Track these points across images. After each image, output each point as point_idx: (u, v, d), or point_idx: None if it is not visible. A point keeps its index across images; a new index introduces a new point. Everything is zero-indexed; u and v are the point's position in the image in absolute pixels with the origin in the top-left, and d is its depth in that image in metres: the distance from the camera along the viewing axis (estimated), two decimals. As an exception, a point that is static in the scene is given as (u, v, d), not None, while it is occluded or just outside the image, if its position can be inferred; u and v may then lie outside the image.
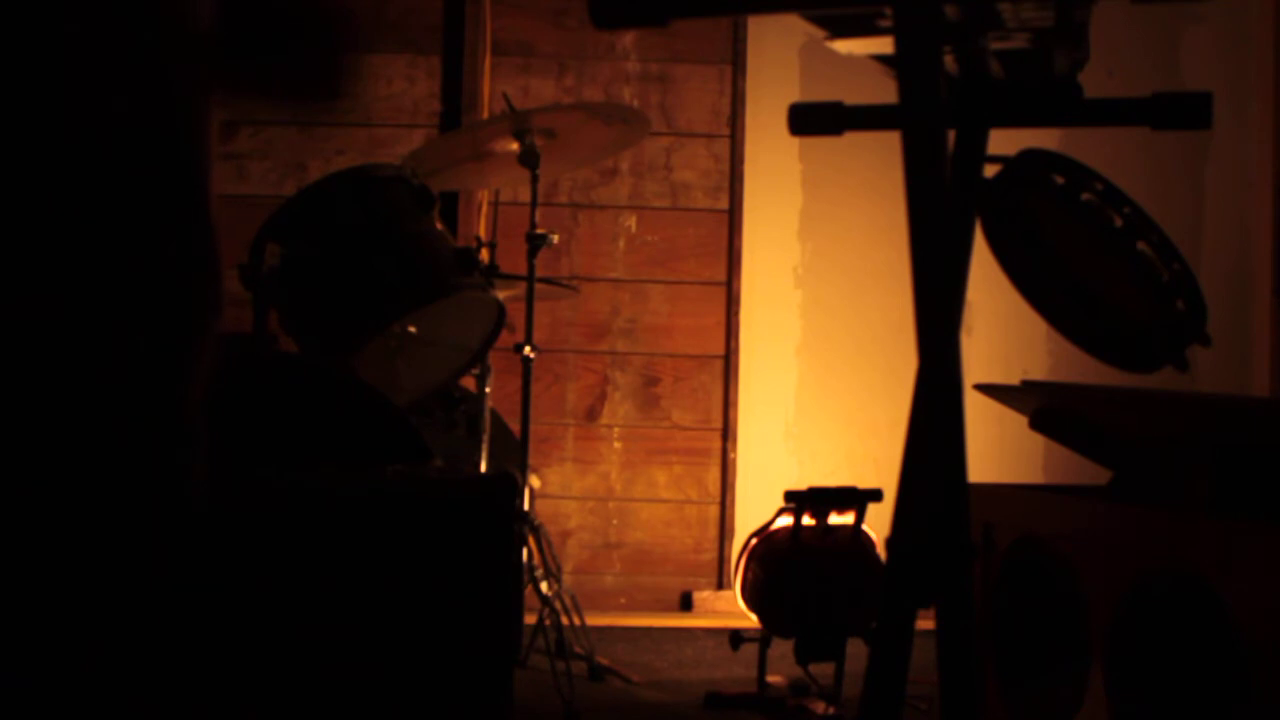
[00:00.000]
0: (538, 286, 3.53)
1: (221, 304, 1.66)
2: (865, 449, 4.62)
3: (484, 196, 4.51)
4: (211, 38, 1.62)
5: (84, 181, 1.51)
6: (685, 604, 4.58)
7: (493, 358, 3.58)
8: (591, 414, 4.61)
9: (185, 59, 1.59)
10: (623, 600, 4.57)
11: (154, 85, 1.54)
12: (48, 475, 1.51)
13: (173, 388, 1.58)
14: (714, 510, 4.61)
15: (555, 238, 3.57)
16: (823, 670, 3.14)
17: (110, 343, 1.53)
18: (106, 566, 1.55)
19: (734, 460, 4.61)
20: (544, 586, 3.53)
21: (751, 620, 3.28)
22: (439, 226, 3.23)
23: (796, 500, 3.17)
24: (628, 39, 4.62)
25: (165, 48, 1.56)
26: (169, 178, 1.57)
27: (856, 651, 2.88)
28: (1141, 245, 2.29)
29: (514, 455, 3.57)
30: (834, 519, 3.20)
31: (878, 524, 2.74)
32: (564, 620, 3.52)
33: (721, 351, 4.63)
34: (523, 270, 3.53)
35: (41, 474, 1.51)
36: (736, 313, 4.63)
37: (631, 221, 4.62)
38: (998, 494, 2.74)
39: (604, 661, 3.58)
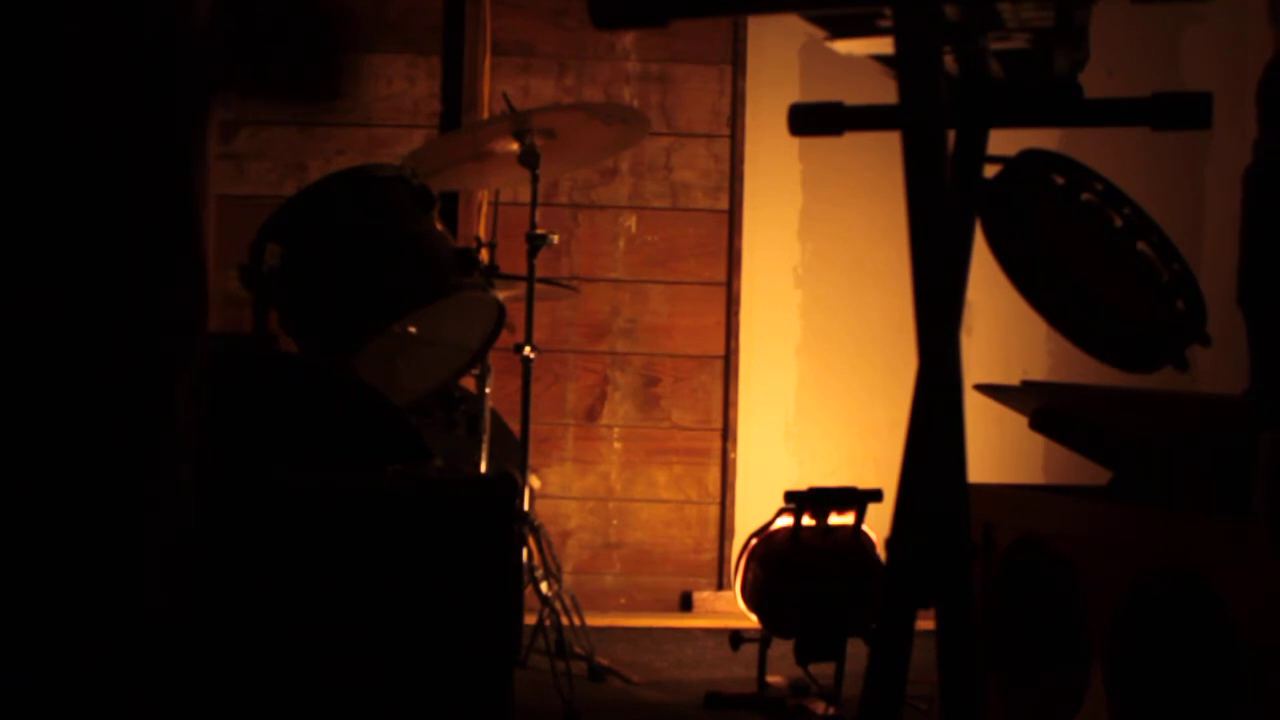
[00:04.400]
0: (538, 286, 3.53)
1: (207, 302, 1.66)
2: (865, 449, 4.62)
3: (484, 196, 4.51)
4: (210, 36, 1.62)
5: (80, 181, 1.51)
6: (685, 604, 4.58)
7: (493, 358, 3.58)
8: (591, 414, 4.61)
9: (184, 58, 1.59)
10: (623, 600, 4.57)
11: (151, 84, 1.54)
12: (37, 475, 1.51)
13: (161, 384, 1.58)
14: (714, 510, 4.61)
15: (555, 238, 3.57)
16: (823, 670, 3.14)
17: (103, 339, 1.53)
18: (100, 569, 1.55)
19: (734, 460, 4.61)
20: (544, 586, 3.53)
21: (751, 620, 3.28)
22: (439, 226, 3.23)
23: (796, 500, 3.17)
24: (628, 39, 4.62)
25: (164, 47, 1.56)
26: (162, 177, 1.57)
27: (856, 651, 2.88)
28: (1141, 245, 2.29)
29: (514, 455, 3.57)
30: (834, 519, 3.20)
31: (878, 524, 2.73)
32: (564, 620, 3.52)
33: (721, 351, 4.63)
34: (523, 270, 3.53)
35: (31, 474, 1.51)
36: (736, 313, 4.63)
37: (631, 221, 4.62)
38: (998, 494, 2.74)
39: (604, 661, 3.58)
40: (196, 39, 1.60)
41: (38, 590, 1.51)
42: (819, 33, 1.71)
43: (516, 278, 3.57)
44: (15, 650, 1.49)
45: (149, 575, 1.57)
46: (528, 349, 3.49)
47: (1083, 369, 2.84)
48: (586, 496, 4.60)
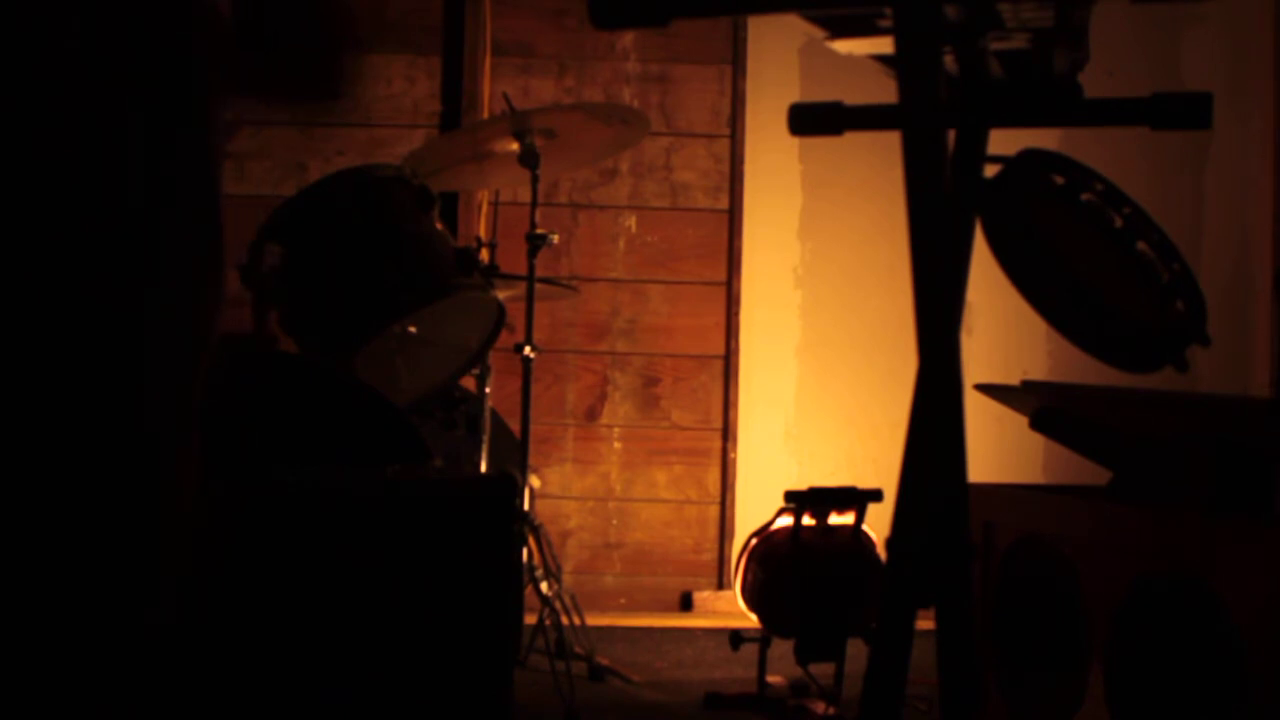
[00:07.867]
0: (538, 286, 3.53)
1: (223, 301, 1.67)
2: (865, 449, 4.62)
3: (484, 196, 4.51)
4: (231, 37, 1.63)
5: (102, 179, 1.51)
6: (685, 604, 4.58)
7: (493, 358, 3.58)
8: (591, 414, 4.61)
9: (208, 57, 1.59)
10: (623, 600, 4.57)
11: (179, 83, 1.55)
12: (43, 476, 1.51)
13: (176, 383, 1.59)
14: (714, 510, 4.61)
15: (555, 238, 3.57)
16: (823, 670, 3.13)
17: (119, 337, 1.53)
18: (100, 568, 1.54)
19: (734, 460, 4.61)
20: (544, 586, 3.53)
21: (751, 620, 3.28)
22: (439, 226, 3.23)
23: (796, 500, 3.17)
24: (628, 39, 4.62)
25: (191, 46, 1.56)
26: (193, 176, 1.58)
27: (856, 652, 2.88)
28: (1141, 245, 2.29)
29: (514, 455, 3.57)
30: (834, 519, 3.20)
31: (878, 524, 2.73)
32: (564, 620, 3.52)
33: (721, 352, 4.63)
34: (523, 270, 3.53)
35: (37, 475, 1.51)
36: (736, 313, 4.63)
37: (631, 222, 4.62)
38: (998, 494, 2.74)
39: (604, 661, 3.58)
40: (220, 38, 1.60)
41: (31, 594, 1.51)
42: (819, 33, 1.71)
43: (516, 278, 3.57)
44: (14, 654, 1.49)
45: (143, 572, 1.57)
46: (528, 349, 3.49)
47: (1083, 369, 2.84)
48: (586, 496, 4.60)
